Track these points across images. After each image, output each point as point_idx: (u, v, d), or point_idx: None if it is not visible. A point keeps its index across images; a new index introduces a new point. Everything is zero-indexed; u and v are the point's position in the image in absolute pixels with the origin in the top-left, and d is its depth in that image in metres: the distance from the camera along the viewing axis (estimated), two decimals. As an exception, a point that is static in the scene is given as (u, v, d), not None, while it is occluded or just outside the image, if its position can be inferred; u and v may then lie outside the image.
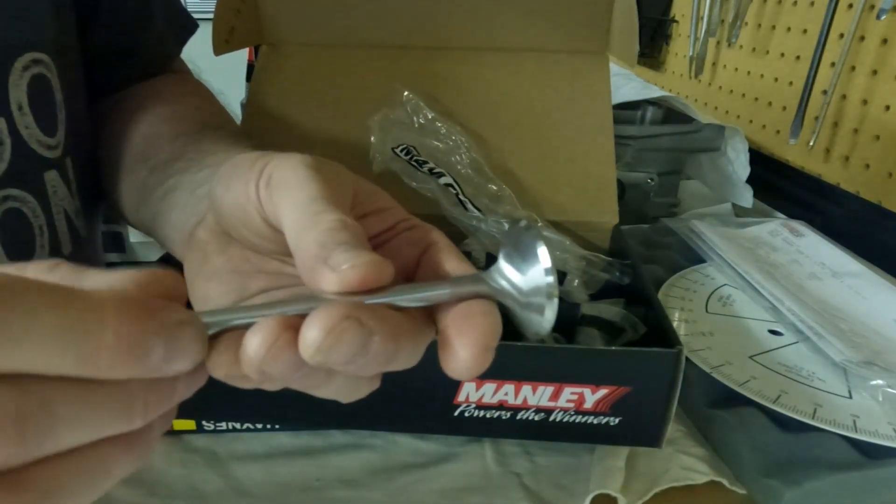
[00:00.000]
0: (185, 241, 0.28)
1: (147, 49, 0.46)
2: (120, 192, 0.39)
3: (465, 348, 0.18)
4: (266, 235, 0.23)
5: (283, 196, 0.21)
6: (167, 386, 0.17)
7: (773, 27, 0.82)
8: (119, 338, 0.15)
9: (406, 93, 0.51)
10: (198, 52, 0.57)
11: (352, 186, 0.23)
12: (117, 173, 0.40)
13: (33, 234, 0.35)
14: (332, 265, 0.18)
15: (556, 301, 0.18)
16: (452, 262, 0.22)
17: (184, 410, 0.18)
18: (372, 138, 0.48)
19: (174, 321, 0.16)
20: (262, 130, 0.54)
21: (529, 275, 0.19)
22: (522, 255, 0.19)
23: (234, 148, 0.33)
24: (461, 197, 0.45)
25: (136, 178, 0.37)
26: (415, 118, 0.51)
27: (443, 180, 0.46)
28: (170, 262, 0.42)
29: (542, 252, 0.18)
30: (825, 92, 0.69)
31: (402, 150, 0.47)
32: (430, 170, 0.46)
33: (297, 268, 0.20)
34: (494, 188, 0.48)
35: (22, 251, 0.34)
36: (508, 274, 0.19)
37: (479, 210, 0.45)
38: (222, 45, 0.52)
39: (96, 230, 0.46)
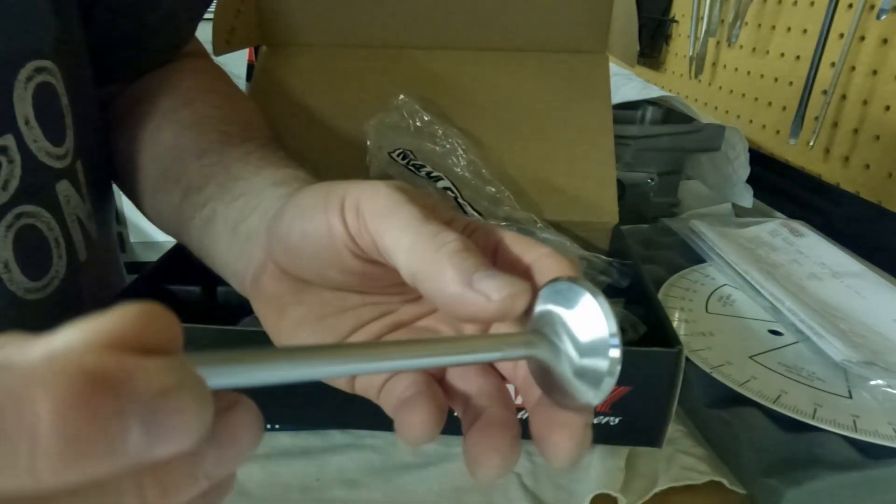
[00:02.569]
0: (246, 288, 0.27)
1: (156, 31, 0.43)
2: (155, 210, 0.39)
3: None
4: (353, 269, 0.22)
5: (386, 222, 0.20)
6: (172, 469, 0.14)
7: (773, 27, 0.82)
8: (58, 433, 0.10)
9: (401, 96, 0.51)
10: (198, 52, 0.56)
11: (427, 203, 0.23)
12: (146, 188, 0.39)
13: (49, 248, 0.34)
14: (481, 290, 0.18)
15: (613, 380, 0.17)
16: (531, 253, 0.21)
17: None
18: (368, 143, 0.48)
19: (155, 388, 0.11)
20: (262, 131, 0.54)
21: (589, 341, 0.17)
22: (578, 317, 0.17)
23: (264, 172, 0.32)
24: (460, 200, 0.45)
25: (170, 199, 0.36)
26: (410, 121, 0.50)
27: (441, 184, 0.45)
28: (177, 256, 0.42)
29: (609, 322, 0.17)
30: (825, 92, 0.69)
31: (398, 155, 0.47)
32: (428, 174, 0.46)
33: (425, 291, 0.19)
34: (493, 190, 0.48)
35: (39, 265, 0.34)
36: (559, 339, 0.18)
37: (478, 213, 0.45)
38: (222, 45, 0.52)
39: (110, 230, 0.45)
